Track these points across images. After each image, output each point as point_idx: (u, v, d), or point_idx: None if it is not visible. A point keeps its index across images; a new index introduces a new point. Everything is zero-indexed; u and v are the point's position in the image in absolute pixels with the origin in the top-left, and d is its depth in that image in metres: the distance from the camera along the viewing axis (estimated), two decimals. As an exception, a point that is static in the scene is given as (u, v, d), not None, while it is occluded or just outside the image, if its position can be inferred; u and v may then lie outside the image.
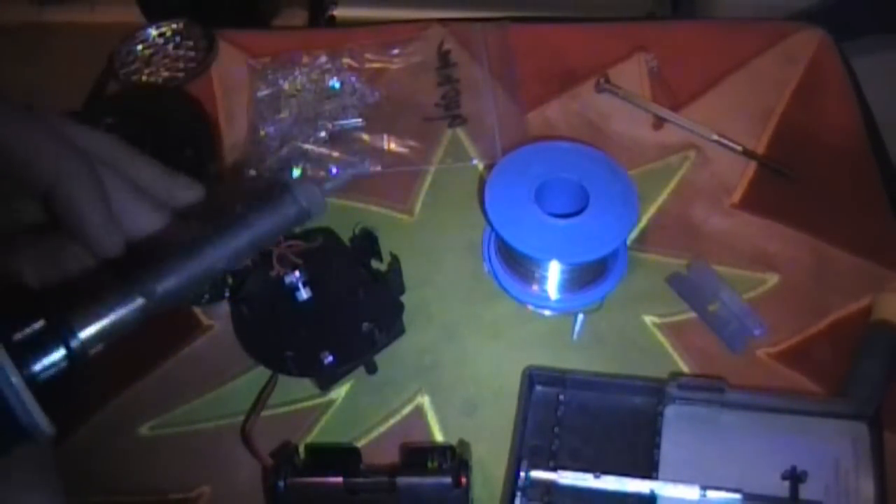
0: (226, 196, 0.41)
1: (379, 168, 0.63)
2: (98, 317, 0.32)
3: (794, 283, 0.55)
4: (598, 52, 0.69)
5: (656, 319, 0.54)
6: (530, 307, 0.55)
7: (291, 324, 0.50)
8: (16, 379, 0.29)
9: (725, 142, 0.62)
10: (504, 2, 0.86)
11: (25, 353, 0.30)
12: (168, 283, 0.34)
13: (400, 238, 0.55)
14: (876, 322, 0.51)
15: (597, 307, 0.54)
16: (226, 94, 0.70)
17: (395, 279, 0.53)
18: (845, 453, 0.45)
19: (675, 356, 0.52)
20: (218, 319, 0.54)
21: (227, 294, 0.50)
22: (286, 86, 0.69)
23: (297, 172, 0.63)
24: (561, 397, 0.50)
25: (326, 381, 0.52)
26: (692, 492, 0.44)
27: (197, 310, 0.55)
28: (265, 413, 0.51)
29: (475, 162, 0.63)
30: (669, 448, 0.46)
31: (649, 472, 0.46)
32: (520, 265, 0.54)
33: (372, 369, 0.52)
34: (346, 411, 0.51)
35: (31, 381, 0.30)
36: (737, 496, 0.44)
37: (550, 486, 0.46)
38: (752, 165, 0.61)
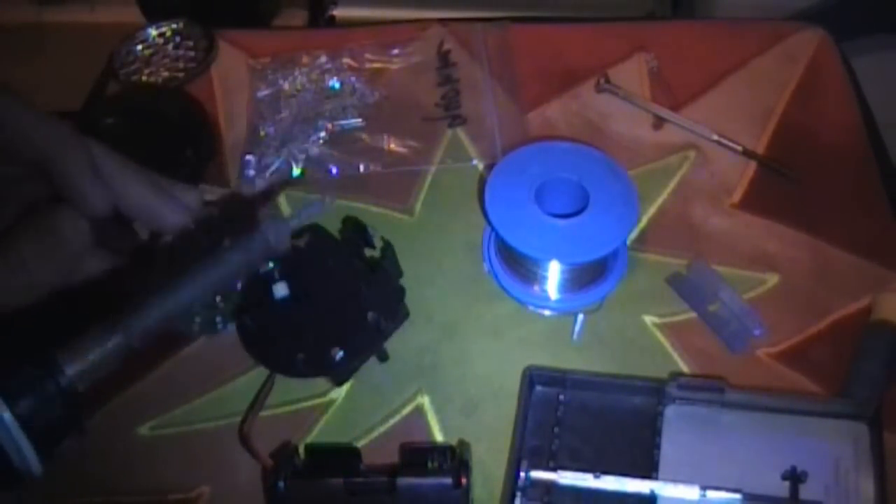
0: (205, 224, 0.42)
1: (379, 168, 0.63)
2: (83, 353, 0.34)
3: (794, 283, 0.55)
4: (598, 52, 0.69)
5: (656, 319, 0.54)
6: (530, 307, 0.55)
7: (297, 327, 0.51)
8: (8, 418, 0.30)
9: (725, 142, 0.62)
10: (504, 2, 0.86)
11: (16, 394, 0.31)
12: (146, 321, 0.36)
13: (400, 238, 0.55)
14: (876, 322, 0.51)
15: (597, 307, 0.54)
16: (226, 94, 0.70)
17: (391, 264, 0.53)
18: (845, 453, 0.45)
19: (675, 356, 0.52)
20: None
21: (219, 327, 0.50)
22: (286, 86, 0.69)
23: (297, 172, 0.63)
24: (561, 397, 0.50)
25: (341, 376, 0.52)
26: (692, 492, 0.44)
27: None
28: (265, 413, 0.51)
29: (475, 162, 0.63)
30: (669, 448, 0.46)
31: (649, 472, 0.46)
32: (520, 265, 0.54)
33: (383, 357, 0.52)
34: (345, 411, 0.51)
35: (25, 421, 0.30)
36: (737, 496, 0.44)
37: (550, 487, 0.46)
38: (752, 165, 0.61)
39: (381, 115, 0.67)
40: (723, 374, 0.50)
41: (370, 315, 0.50)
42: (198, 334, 0.50)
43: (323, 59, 0.70)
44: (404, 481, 0.44)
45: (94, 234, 0.38)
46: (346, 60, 0.70)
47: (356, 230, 0.54)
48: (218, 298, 0.51)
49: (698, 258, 0.56)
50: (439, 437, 0.50)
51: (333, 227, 0.57)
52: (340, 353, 0.49)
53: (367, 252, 0.54)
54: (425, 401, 0.51)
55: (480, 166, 0.63)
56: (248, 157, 0.64)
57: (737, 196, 0.60)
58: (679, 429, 0.47)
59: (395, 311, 0.52)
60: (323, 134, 0.65)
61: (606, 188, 0.53)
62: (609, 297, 0.54)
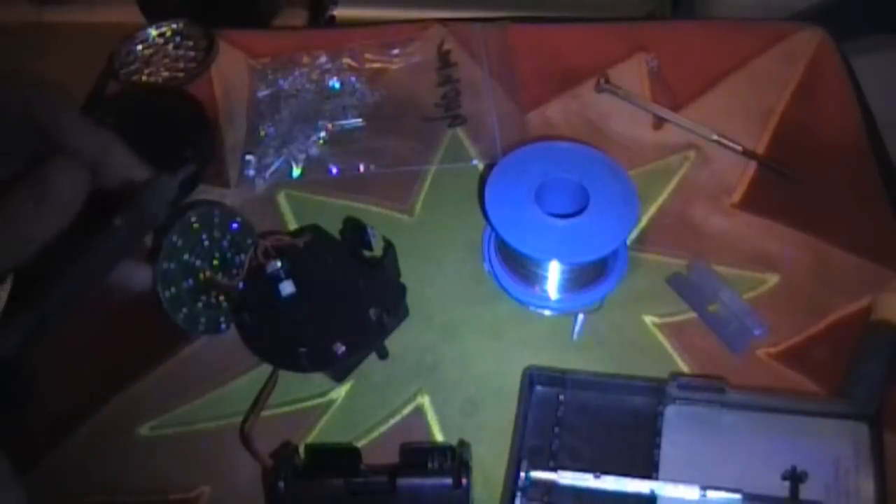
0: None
1: (379, 168, 0.63)
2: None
3: (794, 283, 0.55)
4: (598, 52, 0.69)
5: (656, 319, 0.54)
6: (530, 307, 0.55)
7: (299, 322, 0.51)
8: None
9: (725, 142, 0.62)
10: (504, 2, 0.86)
11: None
12: (52, 299, 0.39)
13: (400, 238, 0.55)
14: (876, 322, 0.51)
15: (597, 307, 0.54)
16: (226, 94, 0.70)
17: (392, 264, 0.54)
18: (845, 453, 0.45)
19: (675, 356, 0.52)
20: None
21: (222, 327, 0.51)
22: (286, 86, 0.69)
23: (297, 172, 0.63)
24: (561, 397, 0.50)
25: (341, 371, 0.52)
26: (692, 492, 0.44)
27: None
28: (265, 413, 0.51)
29: (475, 162, 0.63)
30: (669, 448, 0.46)
31: (649, 472, 0.46)
32: (520, 265, 0.54)
33: (383, 354, 0.52)
34: (346, 411, 0.51)
35: None
36: (737, 496, 0.44)
37: (550, 487, 0.46)
38: (752, 165, 0.61)
39: (381, 115, 0.67)
40: (723, 374, 0.50)
41: (372, 311, 0.51)
42: (201, 334, 0.51)
43: (323, 59, 0.70)
44: (404, 481, 0.44)
45: (88, 184, 0.38)
46: (346, 60, 0.70)
47: (356, 230, 0.54)
48: (221, 298, 0.52)
49: (698, 258, 0.56)
50: (439, 437, 0.50)
51: (334, 227, 0.57)
52: (342, 348, 0.49)
53: (368, 252, 0.55)
54: (425, 401, 0.51)
55: (480, 166, 0.63)
56: (248, 157, 0.64)
57: (737, 196, 0.60)
58: (679, 429, 0.47)
59: (396, 307, 0.52)
60: (323, 134, 0.65)
61: (606, 188, 0.53)
62: (609, 297, 0.54)
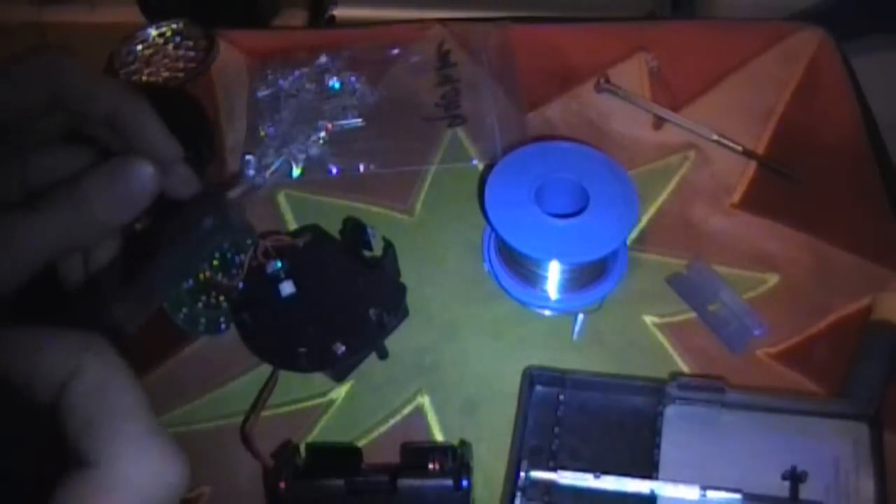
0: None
1: (379, 168, 0.63)
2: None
3: (794, 283, 0.55)
4: (598, 52, 0.69)
5: (656, 319, 0.54)
6: (530, 307, 0.55)
7: (299, 322, 0.51)
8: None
9: (725, 142, 0.62)
10: (504, 2, 0.86)
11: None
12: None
13: (400, 238, 0.55)
14: (876, 322, 0.51)
15: (597, 307, 0.54)
16: (226, 94, 0.70)
17: (392, 263, 0.54)
18: (845, 453, 0.45)
19: (675, 356, 0.52)
20: None
21: (222, 327, 0.51)
22: (286, 86, 0.69)
23: (297, 172, 0.63)
24: (561, 397, 0.50)
25: (341, 371, 0.52)
26: (692, 492, 0.44)
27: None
28: (265, 413, 0.51)
29: (475, 162, 0.63)
30: (669, 448, 0.46)
31: (649, 472, 0.46)
32: (520, 265, 0.54)
33: (383, 354, 0.52)
34: (346, 411, 0.51)
35: None
36: (737, 496, 0.44)
37: (550, 486, 0.46)
38: (752, 165, 0.61)
39: (381, 115, 0.67)
40: (723, 374, 0.50)
41: (372, 311, 0.51)
42: (201, 334, 0.51)
43: (323, 59, 0.70)
44: (405, 482, 0.44)
45: (157, 177, 0.39)
46: (346, 60, 0.70)
47: (356, 231, 0.54)
48: (221, 298, 0.52)
49: (698, 258, 0.56)
50: (439, 436, 0.50)
51: (334, 227, 0.57)
52: (342, 348, 0.49)
53: (368, 252, 0.55)
54: (425, 401, 0.51)
55: (480, 166, 0.63)
56: (248, 157, 0.64)
57: (737, 196, 0.60)
58: (679, 429, 0.47)
59: (397, 307, 0.52)
60: (323, 134, 0.65)
61: (606, 188, 0.53)
62: (609, 297, 0.54)
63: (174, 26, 0.75)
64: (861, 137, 0.63)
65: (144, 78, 0.71)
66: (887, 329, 0.50)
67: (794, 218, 0.58)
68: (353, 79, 0.69)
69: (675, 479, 0.45)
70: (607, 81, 0.66)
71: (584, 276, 0.54)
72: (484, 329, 0.54)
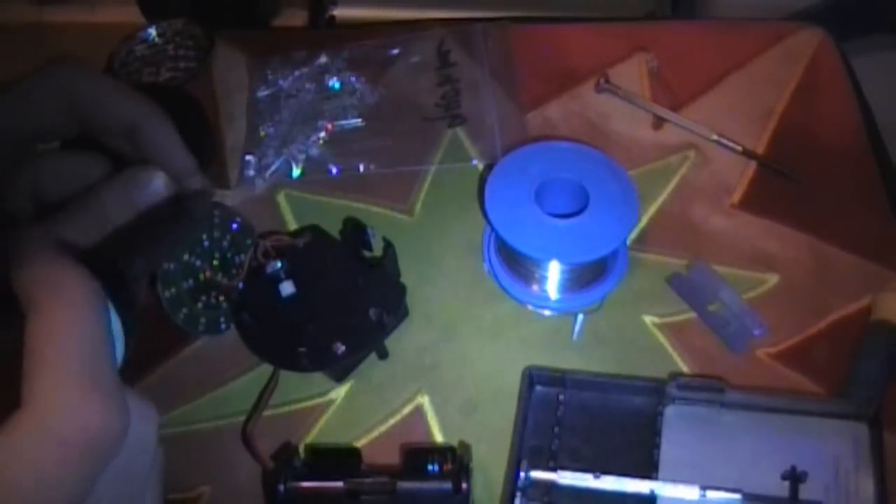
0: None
1: (379, 168, 0.63)
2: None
3: (794, 283, 0.55)
4: (598, 52, 0.69)
5: (656, 319, 0.54)
6: (530, 307, 0.55)
7: (299, 322, 0.51)
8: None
9: (725, 142, 0.62)
10: (504, 2, 0.86)
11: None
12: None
13: (400, 238, 0.55)
14: (876, 322, 0.51)
15: (597, 307, 0.54)
16: (226, 95, 0.70)
17: (392, 263, 0.54)
18: (845, 453, 0.45)
19: (675, 356, 0.52)
20: None
21: (222, 327, 0.51)
22: (286, 86, 0.69)
23: (297, 172, 0.63)
24: (561, 397, 0.50)
25: (341, 371, 0.52)
26: (692, 492, 0.44)
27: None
28: (265, 412, 0.51)
29: (475, 162, 0.63)
30: (669, 448, 0.46)
31: (649, 472, 0.46)
32: (520, 265, 0.54)
33: (383, 354, 0.52)
34: (345, 411, 0.51)
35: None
36: (736, 496, 0.44)
37: (550, 487, 0.46)
38: (752, 165, 0.61)
39: (380, 115, 0.67)
40: (723, 374, 0.50)
41: (372, 311, 0.51)
42: (201, 334, 0.51)
43: (323, 59, 0.70)
44: (404, 486, 0.44)
45: (171, 188, 0.41)
46: (346, 60, 0.70)
47: (356, 231, 0.54)
48: (221, 298, 0.52)
49: (698, 258, 0.56)
50: (439, 437, 0.50)
51: (333, 227, 0.57)
52: (342, 348, 0.49)
53: (368, 252, 0.55)
54: (425, 401, 0.51)
55: (480, 166, 0.63)
56: (248, 157, 0.64)
57: (737, 196, 0.60)
58: (679, 429, 0.47)
59: (396, 307, 0.52)
60: (323, 134, 0.65)
61: (606, 188, 0.53)
62: (609, 297, 0.54)
63: (174, 26, 0.75)
64: (861, 137, 0.63)
65: (144, 78, 0.71)
66: (887, 329, 0.50)
67: (794, 218, 0.58)
68: (353, 79, 0.69)
69: (674, 480, 0.45)
70: (607, 81, 0.66)
71: (584, 276, 0.54)
72: (484, 329, 0.54)
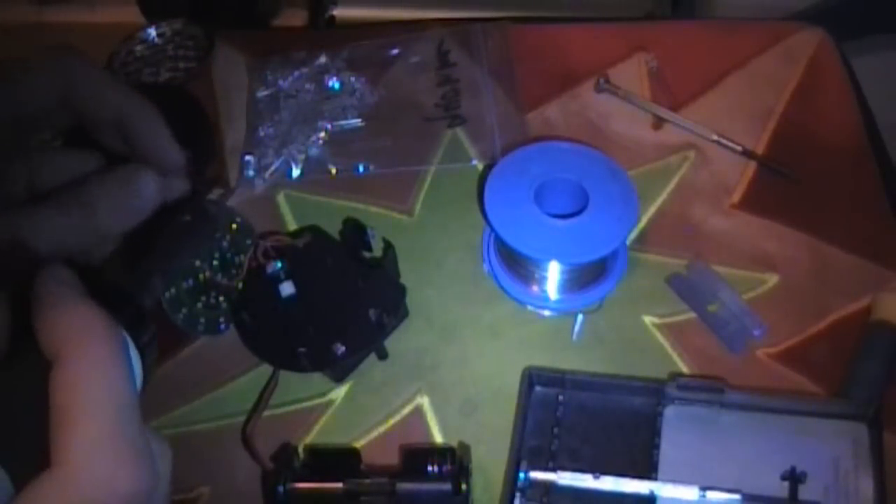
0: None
1: (379, 168, 0.63)
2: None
3: (794, 283, 0.55)
4: (598, 52, 0.69)
5: (656, 320, 0.54)
6: (530, 307, 0.55)
7: (299, 323, 0.51)
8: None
9: (725, 142, 0.62)
10: (504, 2, 0.86)
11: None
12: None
13: (400, 238, 0.55)
14: (876, 322, 0.51)
15: (596, 307, 0.54)
16: (226, 95, 0.70)
17: (392, 264, 0.54)
18: (845, 454, 0.45)
19: (675, 356, 0.52)
20: None
21: (221, 327, 0.51)
22: (286, 86, 0.69)
23: (296, 173, 0.63)
24: (560, 398, 0.50)
25: (341, 372, 0.52)
26: (691, 492, 0.44)
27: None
28: (264, 413, 0.51)
29: (475, 162, 0.63)
30: (669, 448, 0.46)
31: (649, 472, 0.46)
32: (519, 265, 0.54)
33: (383, 354, 0.52)
34: (345, 411, 0.51)
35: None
36: (736, 497, 0.44)
37: (549, 487, 0.46)
38: (752, 165, 0.61)
39: (380, 115, 0.67)
40: (722, 374, 0.50)
41: (372, 311, 0.51)
42: (201, 334, 0.51)
43: (323, 59, 0.70)
44: (404, 486, 0.44)
45: (162, 190, 0.41)
46: (346, 60, 0.70)
47: (356, 232, 0.54)
48: (220, 298, 0.52)
49: (698, 258, 0.56)
50: (439, 437, 0.50)
51: (333, 227, 0.57)
52: (342, 349, 0.49)
53: (368, 253, 0.55)
54: (425, 401, 0.51)
55: (480, 166, 0.63)
56: (248, 157, 0.64)
57: (736, 196, 0.60)
58: (678, 429, 0.47)
59: (396, 307, 0.52)
60: (322, 134, 0.65)
61: (606, 188, 0.53)
62: (609, 298, 0.54)
63: (174, 26, 0.75)
64: (861, 137, 0.62)
65: (144, 78, 0.71)
66: (887, 329, 0.50)
67: (793, 218, 0.58)
68: (352, 79, 0.69)
69: (674, 480, 0.45)
70: (607, 81, 0.66)
71: (584, 277, 0.54)
72: (483, 329, 0.54)
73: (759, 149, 0.62)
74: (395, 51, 0.71)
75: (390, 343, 0.53)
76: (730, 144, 0.62)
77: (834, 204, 0.59)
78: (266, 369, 0.52)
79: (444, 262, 0.58)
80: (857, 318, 0.53)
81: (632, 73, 0.68)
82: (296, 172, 0.63)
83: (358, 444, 0.49)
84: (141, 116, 0.40)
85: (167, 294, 0.49)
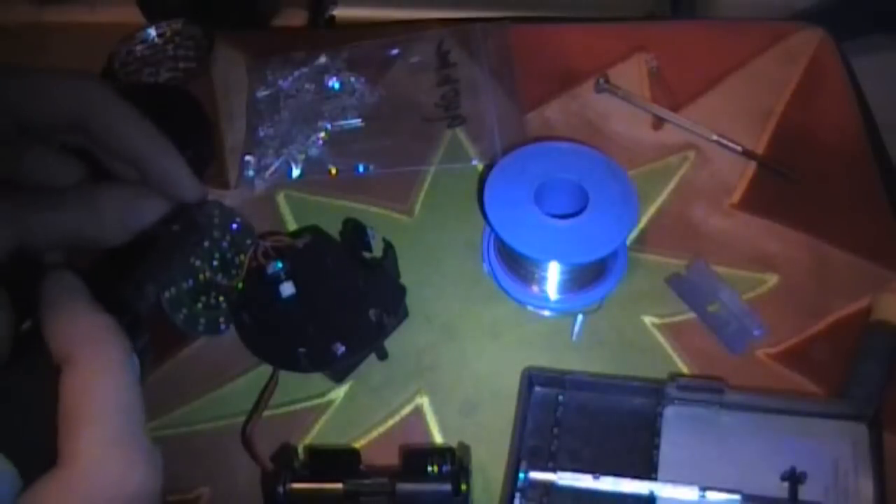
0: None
1: (379, 168, 0.63)
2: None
3: (794, 283, 0.55)
4: (598, 52, 0.69)
5: (656, 320, 0.54)
6: (530, 308, 0.55)
7: (299, 323, 0.51)
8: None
9: (725, 142, 0.62)
10: (504, 2, 0.86)
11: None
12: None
13: (400, 238, 0.55)
14: (875, 322, 0.51)
15: (596, 308, 0.54)
16: (226, 95, 0.70)
17: (392, 265, 0.54)
18: (845, 454, 0.45)
19: (675, 357, 0.52)
20: None
21: (222, 327, 0.51)
22: (286, 86, 0.69)
23: (296, 173, 0.63)
24: (560, 398, 0.50)
25: (341, 372, 0.52)
26: (691, 493, 0.44)
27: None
28: (264, 414, 0.51)
29: (475, 162, 0.63)
30: (669, 449, 0.46)
31: (648, 472, 0.46)
32: (519, 266, 0.54)
33: (383, 355, 0.52)
34: (344, 411, 0.51)
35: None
36: (736, 497, 0.44)
37: (549, 487, 0.46)
38: (752, 165, 0.61)
39: (380, 115, 0.67)
40: (722, 374, 0.50)
41: (372, 312, 0.51)
42: (201, 335, 0.51)
43: (323, 59, 0.70)
44: (404, 487, 0.44)
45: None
46: (346, 60, 0.70)
47: (355, 232, 0.54)
48: (221, 299, 0.52)
49: (698, 258, 0.56)
50: (438, 437, 0.50)
51: (333, 227, 0.57)
52: (342, 349, 0.49)
53: (367, 253, 0.55)
54: (424, 401, 0.51)
55: (480, 166, 0.63)
56: (248, 157, 0.64)
57: (736, 196, 0.60)
58: (678, 429, 0.47)
59: (396, 308, 0.52)
60: (322, 134, 0.65)
61: (606, 188, 0.53)
62: (609, 298, 0.54)
63: (174, 26, 0.75)
64: (861, 137, 0.62)
65: (144, 78, 0.71)
66: (887, 329, 0.50)
67: (793, 218, 0.58)
68: (352, 79, 0.69)
69: (674, 480, 0.45)
70: (607, 81, 0.66)
71: (584, 277, 0.54)
72: (483, 330, 0.54)
73: (759, 149, 0.62)
74: (395, 51, 0.71)
75: (390, 343, 0.53)
76: (730, 144, 0.62)
77: (834, 204, 0.59)
78: (266, 369, 0.52)
79: (444, 262, 0.58)
80: (857, 318, 0.53)
81: (632, 73, 0.68)
82: (296, 172, 0.63)
83: (358, 445, 0.49)
84: (159, 154, 0.41)
85: (167, 294, 0.49)
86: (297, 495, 0.44)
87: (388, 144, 0.64)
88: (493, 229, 0.52)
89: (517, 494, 0.45)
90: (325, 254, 0.54)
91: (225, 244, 0.52)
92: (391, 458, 0.49)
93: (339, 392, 0.52)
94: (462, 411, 0.51)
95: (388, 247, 0.54)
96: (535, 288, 0.54)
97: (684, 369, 0.51)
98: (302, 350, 0.50)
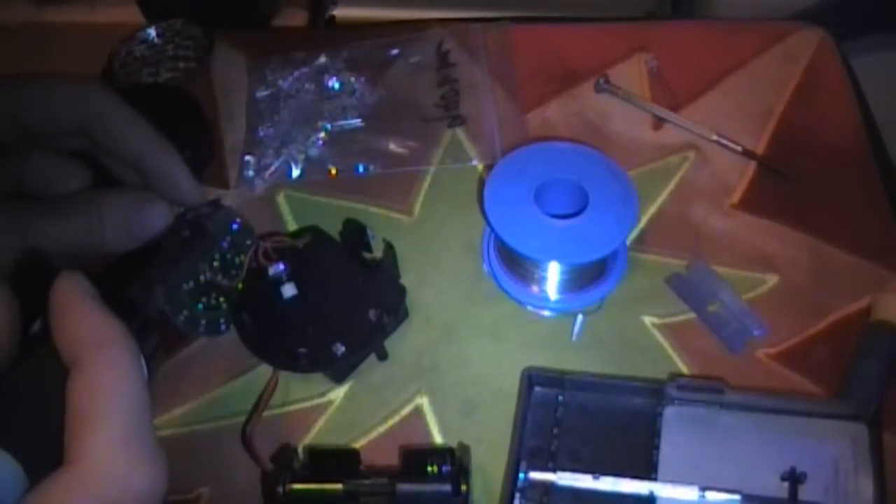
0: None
1: (378, 168, 0.63)
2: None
3: (794, 283, 0.55)
4: (597, 52, 0.69)
5: (656, 320, 0.54)
6: (529, 308, 0.55)
7: (299, 323, 0.51)
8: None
9: (725, 142, 0.62)
10: (504, 2, 0.86)
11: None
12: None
13: (399, 238, 0.55)
14: (875, 322, 0.51)
15: (596, 308, 0.54)
16: (225, 95, 0.70)
17: (392, 265, 0.54)
18: (845, 454, 0.45)
19: (675, 357, 0.52)
20: None
21: (222, 328, 0.52)
22: (286, 86, 0.69)
23: (296, 173, 0.63)
24: (560, 398, 0.50)
25: (341, 372, 0.52)
26: (691, 493, 0.44)
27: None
28: (264, 414, 0.51)
29: (475, 162, 0.63)
30: (668, 449, 0.46)
31: (648, 472, 0.46)
32: (519, 266, 0.54)
33: (383, 355, 0.52)
34: (344, 412, 0.51)
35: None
36: (736, 497, 0.44)
37: (549, 487, 0.46)
38: (752, 165, 0.61)
39: (380, 115, 0.67)
40: (722, 374, 0.50)
41: (372, 312, 0.51)
42: (202, 335, 0.51)
43: (323, 59, 0.70)
44: (404, 487, 0.44)
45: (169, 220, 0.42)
46: (346, 60, 0.70)
47: (356, 232, 0.54)
48: (221, 299, 0.52)
49: (698, 258, 0.56)
50: (438, 437, 0.50)
51: (333, 228, 0.57)
52: (342, 349, 0.49)
53: (367, 254, 0.55)
54: (424, 401, 0.51)
55: (480, 166, 0.63)
56: (248, 157, 0.64)
57: (736, 196, 0.60)
58: (678, 430, 0.47)
59: (396, 308, 0.52)
60: (322, 134, 0.65)
61: (606, 188, 0.53)
62: (608, 298, 0.54)
63: (174, 26, 0.75)
64: (861, 137, 0.62)
65: (144, 78, 0.71)
66: (887, 329, 0.50)
67: (793, 218, 0.58)
68: (352, 79, 0.69)
69: (673, 480, 0.45)
70: (607, 81, 0.66)
71: (584, 277, 0.54)
72: (483, 330, 0.54)
73: (759, 149, 0.62)
74: (395, 51, 0.71)
75: (390, 343, 0.53)
76: (730, 144, 0.62)
77: (834, 204, 0.59)
78: (266, 369, 0.52)
79: (443, 262, 0.58)
80: (857, 318, 0.52)
81: (632, 73, 0.68)
82: (296, 172, 0.63)
83: (357, 445, 0.49)
84: (158, 156, 0.42)
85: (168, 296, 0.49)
86: (296, 495, 0.44)
87: (387, 144, 0.64)
88: (493, 229, 0.52)
89: (517, 494, 0.45)
90: (325, 254, 0.54)
91: (225, 245, 0.52)
92: (391, 459, 0.49)
93: (339, 392, 0.52)
94: (462, 411, 0.51)
95: (388, 247, 0.54)
96: (535, 288, 0.54)
97: (684, 369, 0.51)
98: (302, 350, 0.50)
